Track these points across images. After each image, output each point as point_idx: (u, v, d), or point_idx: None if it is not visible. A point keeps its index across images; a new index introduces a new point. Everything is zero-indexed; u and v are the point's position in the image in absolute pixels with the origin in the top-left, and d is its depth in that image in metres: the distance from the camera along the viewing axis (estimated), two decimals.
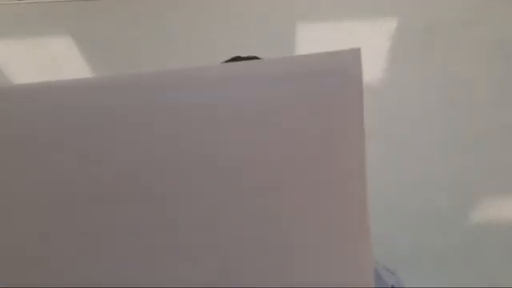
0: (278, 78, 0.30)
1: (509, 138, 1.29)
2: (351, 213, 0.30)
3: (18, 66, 1.67)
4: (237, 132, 0.30)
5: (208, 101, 0.30)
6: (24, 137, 0.31)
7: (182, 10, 1.84)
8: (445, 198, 1.15)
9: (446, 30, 1.64)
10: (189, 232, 0.31)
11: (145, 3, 1.87)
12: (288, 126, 0.30)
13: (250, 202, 0.30)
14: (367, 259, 0.30)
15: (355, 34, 1.66)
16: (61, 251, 0.31)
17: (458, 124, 1.33)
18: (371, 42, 1.63)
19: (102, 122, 0.31)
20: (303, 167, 0.30)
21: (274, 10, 1.80)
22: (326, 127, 0.30)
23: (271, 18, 1.75)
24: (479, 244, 1.06)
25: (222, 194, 0.30)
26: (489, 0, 1.75)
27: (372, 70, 1.53)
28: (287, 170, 0.30)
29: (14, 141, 0.31)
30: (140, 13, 1.84)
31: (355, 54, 0.29)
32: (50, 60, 1.66)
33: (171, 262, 0.31)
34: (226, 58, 0.74)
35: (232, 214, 0.30)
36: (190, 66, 0.31)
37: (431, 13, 1.72)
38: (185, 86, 0.31)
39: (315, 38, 1.65)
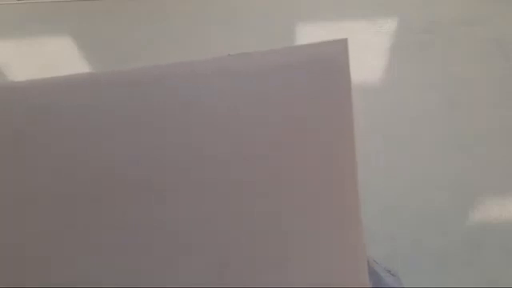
0: (268, 70, 0.30)
1: (509, 137, 1.28)
2: (342, 209, 0.30)
3: (18, 66, 1.67)
4: (228, 126, 0.30)
5: (197, 96, 0.30)
6: (23, 134, 0.31)
7: (182, 9, 1.84)
8: (445, 198, 1.14)
9: (446, 30, 1.64)
10: (188, 230, 0.30)
11: (145, 3, 1.87)
12: (277, 117, 0.30)
13: (249, 201, 0.30)
14: (361, 258, 0.30)
15: (355, 34, 1.66)
16: (60, 250, 0.31)
17: (457, 124, 1.33)
18: (371, 42, 1.62)
19: (100, 119, 0.31)
20: (294, 159, 0.30)
21: (274, 10, 1.80)
22: (316, 117, 0.30)
23: (271, 18, 1.75)
24: (479, 244, 1.06)
25: (222, 193, 0.30)
26: (489, 0, 1.75)
27: (372, 70, 1.53)
28: (278, 163, 0.30)
29: (12, 138, 0.31)
30: (140, 13, 1.84)
31: (342, 43, 0.29)
32: (50, 60, 1.66)
33: (171, 261, 0.31)
34: None
35: (234, 214, 0.30)
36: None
37: (431, 13, 1.72)
38: (176, 81, 0.31)
39: (315, 38, 1.65)
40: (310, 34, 1.72)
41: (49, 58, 1.67)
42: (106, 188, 0.31)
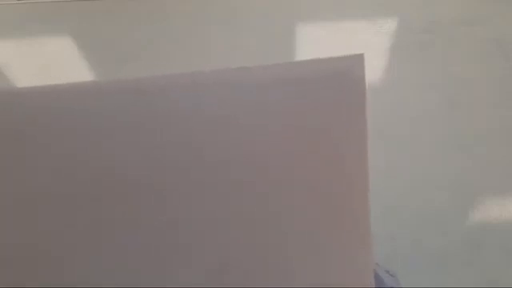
0: (283, 83, 0.30)
1: (509, 137, 1.28)
2: (352, 214, 0.30)
3: (18, 66, 1.67)
4: (241, 135, 0.30)
5: (212, 106, 0.30)
6: (25, 138, 0.31)
7: (182, 10, 1.84)
8: (445, 198, 1.14)
9: (446, 30, 1.64)
10: (188, 231, 0.31)
11: (145, 3, 1.87)
12: (293, 130, 0.30)
13: (250, 203, 0.30)
14: (367, 259, 0.30)
15: (355, 34, 1.66)
16: (60, 250, 0.31)
17: (457, 124, 1.33)
18: (371, 42, 1.62)
19: (102, 124, 0.31)
20: (308, 169, 0.30)
21: (275, 10, 1.80)
22: (331, 131, 0.30)
23: (271, 18, 1.75)
24: (479, 244, 1.06)
25: (222, 196, 0.30)
26: (489, 0, 1.75)
27: (372, 70, 1.53)
28: (291, 171, 0.30)
29: (14, 141, 0.31)
30: (140, 13, 1.84)
31: (359, 59, 0.29)
32: (50, 60, 1.66)
33: (171, 261, 0.31)
34: (226, 59, 0.74)
35: (234, 215, 0.30)
36: (191, 66, 0.31)
37: (431, 13, 1.72)
38: (178, 91, 0.31)
39: (315, 38, 1.65)
40: (310, 34, 1.72)
41: (49, 58, 1.67)
42: (105, 189, 0.31)
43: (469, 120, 1.33)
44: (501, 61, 1.52)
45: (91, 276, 0.31)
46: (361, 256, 0.30)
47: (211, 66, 0.31)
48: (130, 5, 1.87)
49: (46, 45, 1.74)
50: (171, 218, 0.30)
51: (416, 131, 1.31)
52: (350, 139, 0.30)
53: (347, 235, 0.30)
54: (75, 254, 0.31)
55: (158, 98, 0.31)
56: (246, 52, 1.56)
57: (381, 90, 1.47)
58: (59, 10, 1.88)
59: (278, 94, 0.30)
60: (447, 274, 1.02)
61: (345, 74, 0.29)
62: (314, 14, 1.77)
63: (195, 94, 0.30)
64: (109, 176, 0.31)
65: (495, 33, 1.61)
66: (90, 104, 0.31)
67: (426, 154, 1.25)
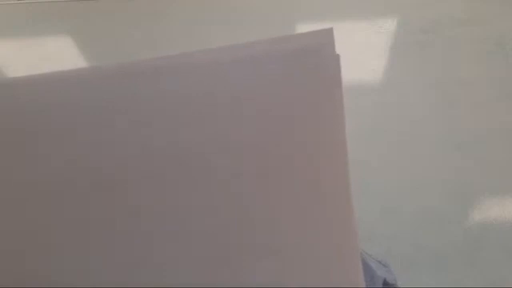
0: (255, 60, 0.30)
1: (509, 137, 1.28)
2: (333, 205, 0.29)
3: (17, 66, 1.67)
4: (218, 116, 0.29)
5: (184, 87, 0.30)
6: (23, 128, 0.31)
7: (182, 9, 1.84)
8: (445, 198, 1.14)
9: (446, 30, 1.64)
10: (183, 229, 0.30)
11: (145, 3, 1.87)
12: (265, 108, 0.29)
13: (229, 196, 0.30)
14: (353, 253, 0.29)
15: (355, 34, 1.66)
16: (59, 245, 0.31)
17: (457, 124, 1.33)
18: (371, 42, 1.62)
19: (100, 112, 0.30)
20: (283, 153, 0.29)
21: (274, 10, 1.80)
22: (304, 108, 0.29)
23: (271, 18, 1.75)
24: (479, 244, 1.06)
25: (207, 185, 0.30)
26: (489, 0, 1.75)
27: (372, 70, 1.53)
28: (267, 156, 0.29)
29: (13, 132, 0.31)
30: (140, 13, 1.84)
31: (328, 33, 0.29)
32: (50, 60, 1.66)
33: (170, 257, 0.30)
34: None
35: (211, 207, 0.30)
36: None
37: (431, 13, 1.72)
38: (167, 74, 0.30)
39: None
40: None
41: (49, 58, 1.67)
42: (104, 180, 0.31)
43: (469, 120, 1.33)
44: (501, 61, 1.52)
45: (91, 275, 0.31)
46: (346, 250, 0.29)
47: None
48: (129, 5, 1.87)
49: (46, 45, 1.74)
50: (170, 211, 0.30)
51: (416, 131, 1.31)
52: (327, 117, 0.29)
53: (330, 229, 0.29)
54: (75, 252, 0.31)
55: (155, 79, 0.30)
56: None
57: (381, 89, 1.47)
58: (59, 10, 1.88)
59: (250, 73, 0.30)
60: (447, 274, 1.02)
61: (315, 49, 0.29)
62: (314, 14, 1.77)
63: (177, 77, 0.30)
64: (108, 166, 0.30)
65: (495, 33, 1.61)
66: (88, 90, 0.30)
67: (426, 153, 1.25)
